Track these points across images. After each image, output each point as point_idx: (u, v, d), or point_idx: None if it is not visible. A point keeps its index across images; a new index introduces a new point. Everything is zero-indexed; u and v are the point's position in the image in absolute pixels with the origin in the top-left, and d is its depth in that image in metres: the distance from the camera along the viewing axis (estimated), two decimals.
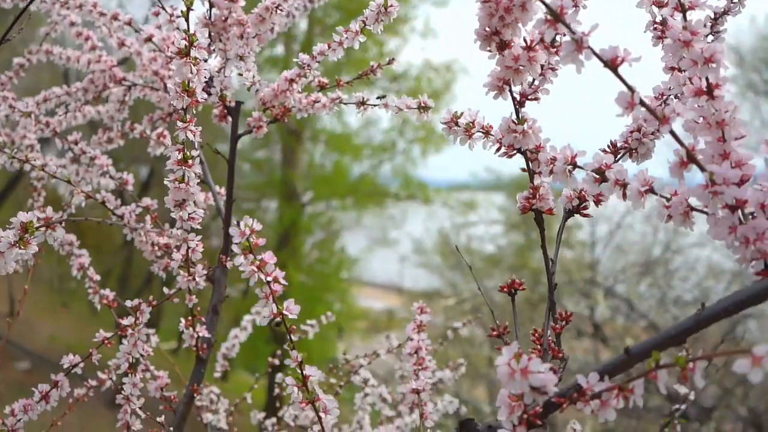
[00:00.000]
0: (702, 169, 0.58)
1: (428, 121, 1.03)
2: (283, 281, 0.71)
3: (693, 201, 0.63)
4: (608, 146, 0.78)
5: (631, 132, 0.77)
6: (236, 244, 0.69)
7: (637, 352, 0.58)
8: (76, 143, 1.21)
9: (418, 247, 11.33)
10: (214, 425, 1.42)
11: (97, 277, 1.19)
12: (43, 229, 0.72)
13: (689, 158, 0.58)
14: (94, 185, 1.38)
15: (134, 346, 0.99)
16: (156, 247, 1.10)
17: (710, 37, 0.80)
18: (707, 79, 0.60)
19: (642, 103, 0.57)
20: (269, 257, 0.70)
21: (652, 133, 0.77)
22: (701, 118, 0.62)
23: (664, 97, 0.79)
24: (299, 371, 0.73)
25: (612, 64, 0.57)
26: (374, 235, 12.55)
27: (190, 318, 1.06)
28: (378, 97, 1.03)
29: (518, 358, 0.56)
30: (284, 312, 0.71)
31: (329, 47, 1.01)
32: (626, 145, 0.78)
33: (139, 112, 1.54)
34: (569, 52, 0.57)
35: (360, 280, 12.43)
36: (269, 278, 0.70)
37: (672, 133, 0.58)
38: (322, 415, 0.72)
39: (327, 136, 12.07)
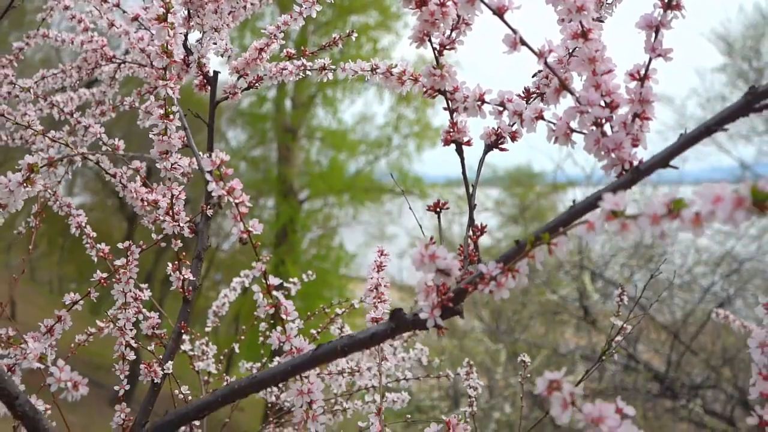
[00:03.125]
0: (572, 94, 0.72)
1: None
2: (248, 203, 0.85)
3: (573, 125, 0.77)
4: (522, 91, 0.92)
5: (542, 78, 0.92)
6: (207, 172, 0.83)
7: (523, 243, 0.72)
8: (71, 114, 1.35)
9: (413, 240, 11.45)
10: (204, 369, 1.57)
11: (94, 234, 1.33)
12: (46, 168, 0.86)
13: (561, 86, 0.72)
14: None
15: (127, 283, 1.14)
16: (145, 203, 1.24)
17: None
18: (581, 24, 0.75)
19: (522, 42, 0.71)
20: (237, 183, 0.84)
21: None
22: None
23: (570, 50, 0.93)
24: (264, 281, 0.87)
25: (499, 12, 0.71)
26: (371, 231, 12.70)
27: (176, 262, 1.20)
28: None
29: (428, 247, 0.71)
30: (250, 229, 0.85)
31: (291, 17, 1.16)
32: (537, 90, 0.92)
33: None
34: (463, 3, 0.71)
35: (358, 276, 12.54)
36: (237, 201, 0.84)
37: (547, 65, 0.72)
38: (283, 316, 0.87)
39: (323, 133, 12.22)
